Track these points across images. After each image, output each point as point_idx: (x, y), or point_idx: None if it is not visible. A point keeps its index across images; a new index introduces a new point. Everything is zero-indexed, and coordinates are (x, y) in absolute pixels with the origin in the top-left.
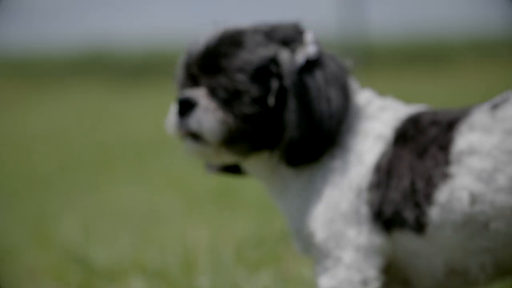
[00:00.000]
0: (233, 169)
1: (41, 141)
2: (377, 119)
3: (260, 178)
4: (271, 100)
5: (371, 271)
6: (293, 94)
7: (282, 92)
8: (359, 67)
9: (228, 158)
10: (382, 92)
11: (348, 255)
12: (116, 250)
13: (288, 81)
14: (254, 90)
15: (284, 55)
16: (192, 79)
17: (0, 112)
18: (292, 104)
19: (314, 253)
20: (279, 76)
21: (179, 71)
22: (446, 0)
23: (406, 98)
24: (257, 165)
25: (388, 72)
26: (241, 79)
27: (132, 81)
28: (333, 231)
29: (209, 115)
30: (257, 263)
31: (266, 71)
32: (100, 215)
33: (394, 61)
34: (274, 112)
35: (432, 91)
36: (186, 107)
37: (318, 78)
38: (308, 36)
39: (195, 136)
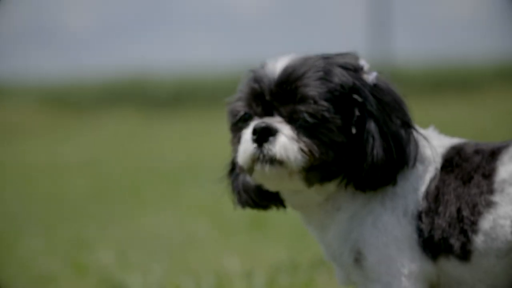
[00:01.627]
0: (265, 203)
1: (76, 169)
2: (426, 146)
3: (305, 208)
4: (353, 129)
5: None
6: (372, 116)
7: (360, 120)
8: None
9: (296, 185)
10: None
11: (398, 281)
12: (150, 277)
13: (370, 106)
14: (338, 119)
15: (365, 81)
16: (264, 107)
17: (37, 140)
18: (374, 128)
19: (358, 277)
20: (358, 104)
21: (243, 95)
22: (469, 29)
23: (437, 124)
24: (311, 193)
25: (415, 100)
26: (327, 107)
27: (166, 110)
28: (386, 255)
29: (293, 143)
30: None
31: (348, 99)
32: (134, 242)
33: (421, 89)
34: (355, 140)
35: (459, 118)
36: (265, 134)
37: (389, 101)
38: (365, 64)
39: (272, 162)
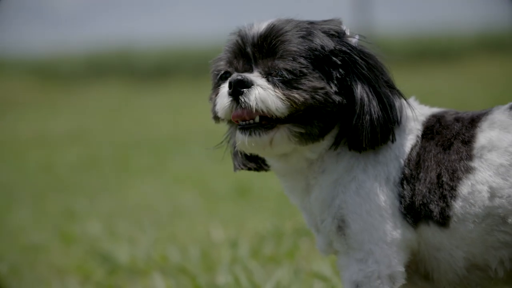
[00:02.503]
0: (252, 164)
1: (65, 140)
2: (408, 114)
3: (290, 174)
4: (333, 87)
5: (400, 267)
6: (363, 77)
7: (343, 82)
8: None
9: (287, 145)
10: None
11: (380, 249)
12: (137, 247)
13: (360, 68)
14: (316, 74)
15: (353, 45)
16: (244, 60)
17: (26, 113)
18: (367, 88)
19: (340, 245)
20: (339, 66)
21: (226, 52)
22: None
23: (417, 94)
24: (301, 155)
25: (397, 70)
26: (305, 64)
27: (152, 82)
28: (369, 223)
29: (269, 92)
30: (273, 259)
31: (328, 60)
32: (122, 213)
33: (402, 59)
34: (337, 98)
35: (439, 87)
36: (241, 87)
37: (373, 64)
38: (348, 30)
39: (251, 133)
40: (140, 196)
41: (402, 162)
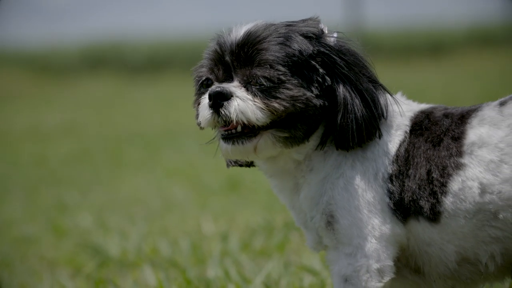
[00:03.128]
0: (248, 162)
1: (57, 133)
2: (395, 110)
3: (279, 174)
4: (314, 90)
5: (389, 261)
6: (344, 77)
7: (324, 84)
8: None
9: (273, 150)
10: (384, 82)
11: (369, 244)
12: (128, 240)
13: (340, 68)
14: (295, 81)
15: (331, 45)
16: (224, 68)
17: (18, 105)
18: (348, 87)
19: (329, 240)
20: (319, 69)
21: (206, 60)
22: None
23: (408, 89)
24: (288, 157)
25: (387, 65)
26: (283, 72)
27: (143, 75)
28: (358, 218)
29: (247, 103)
30: (264, 252)
31: (307, 65)
32: (113, 206)
33: (392, 54)
34: (318, 102)
35: (429, 82)
36: (220, 99)
37: (353, 61)
38: (325, 28)
39: (234, 142)
40: (132, 190)
41: (391, 158)
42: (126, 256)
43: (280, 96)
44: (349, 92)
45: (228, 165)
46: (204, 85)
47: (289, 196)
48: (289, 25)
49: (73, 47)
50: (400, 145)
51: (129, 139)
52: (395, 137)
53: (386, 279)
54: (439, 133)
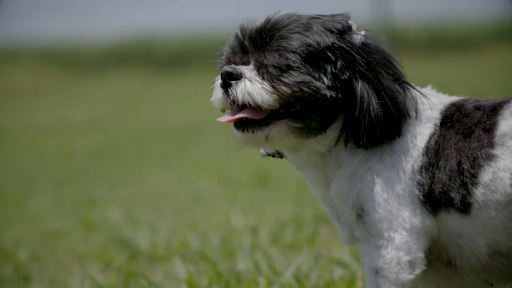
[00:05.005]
0: (279, 153)
1: (85, 128)
2: (425, 103)
3: (307, 167)
4: (326, 81)
5: (419, 253)
6: (363, 75)
7: (339, 77)
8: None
9: (287, 140)
10: (411, 76)
11: (399, 236)
12: (158, 234)
13: (358, 65)
14: (304, 69)
15: (353, 41)
16: (242, 52)
17: (46, 100)
18: (366, 85)
19: (360, 233)
20: (334, 61)
21: (228, 44)
22: None
23: (436, 83)
24: (308, 151)
25: (415, 59)
26: (293, 59)
27: (171, 71)
28: (388, 211)
29: (255, 84)
30: (293, 245)
31: (323, 55)
32: (141, 200)
33: (420, 49)
34: (329, 92)
35: (457, 76)
36: (230, 79)
37: (379, 58)
38: (354, 25)
39: (244, 129)
40: (159, 184)
41: (420, 150)
42: (156, 249)
43: (286, 81)
44: (367, 91)
45: (262, 155)
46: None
47: (320, 189)
48: (314, 17)
49: (100, 43)
50: (430, 138)
51: (156, 133)
52: (424, 129)
53: (417, 271)
54: (470, 125)
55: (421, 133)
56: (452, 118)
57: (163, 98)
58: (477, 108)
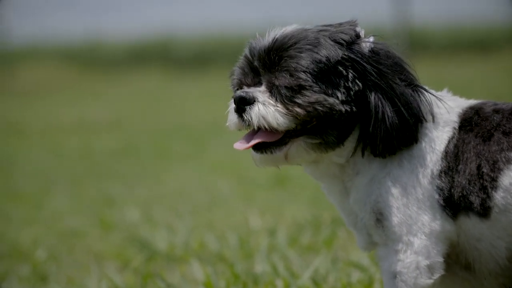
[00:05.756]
0: None
1: (103, 127)
2: (441, 107)
3: (325, 178)
4: (340, 96)
5: (439, 258)
6: (375, 84)
7: (352, 90)
8: (405, 54)
9: (307, 156)
10: (430, 77)
11: (419, 240)
12: (176, 234)
13: (369, 75)
14: (317, 87)
15: (362, 51)
16: (252, 73)
17: (65, 99)
18: (379, 95)
19: (379, 237)
20: (347, 75)
21: (238, 65)
22: None
23: (454, 85)
24: (329, 161)
25: (433, 61)
26: (305, 78)
27: (190, 70)
28: (407, 215)
29: (269, 108)
30: (311, 248)
31: (334, 70)
32: (159, 200)
33: (439, 50)
34: (344, 107)
35: (475, 79)
36: (243, 104)
37: (390, 64)
38: (362, 31)
39: (261, 150)
40: (178, 184)
41: (439, 154)
42: (174, 250)
43: (299, 102)
44: (380, 100)
45: None
46: (236, 89)
47: (338, 199)
48: (321, 30)
49: (119, 41)
50: (449, 142)
51: (175, 133)
52: (443, 133)
53: (436, 275)
54: (489, 128)
55: (439, 137)
56: (471, 122)
57: (183, 97)
58: (496, 111)
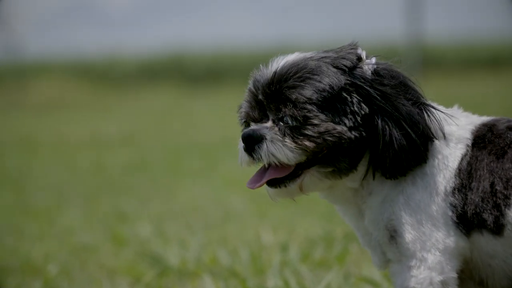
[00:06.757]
0: None
1: (116, 143)
2: (452, 124)
3: (340, 201)
4: (348, 123)
5: (452, 273)
6: (380, 108)
7: (358, 114)
8: (418, 72)
9: (321, 185)
10: (443, 94)
11: (432, 256)
12: (188, 250)
13: (374, 99)
14: (323, 116)
15: (364, 75)
16: (258, 107)
17: (78, 114)
18: (385, 118)
19: (392, 254)
20: (352, 101)
21: (245, 98)
22: (500, 7)
23: (467, 101)
24: (343, 186)
25: (446, 78)
26: (308, 109)
27: (203, 86)
28: (421, 232)
29: (277, 145)
30: (323, 263)
31: (338, 97)
32: (172, 215)
33: (452, 67)
34: (352, 134)
35: (488, 95)
36: (252, 142)
37: (394, 85)
38: (363, 53)
39: (273, 185)
40: (190, 199)
41: (453, 172)
42: (186, 265)
43: (308, 134)
44: (387, 123)
45: None
46: (244, 125)
47: (353, 221)
48: (322, 57)
49: (132, 57)
50: (462, 159)
51: (188, 149)
52: (455, 150)
53: None
54: (503, 146)
55: (452, 154)
56: (484, 139)
57: (195, 112)
58: (510, 128)
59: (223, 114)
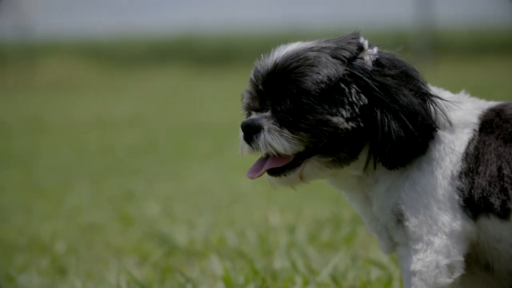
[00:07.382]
0: None
1: (125, 124)
2: (457, 109)
3: (346, 187)
4: (345, 114)
5: (459, 257)
6: (379, 99)
7: (357, 105)
8: (428, 57)
9: (322, 173)
10: (452, 80)
11: (439, 240)
12: (195, 230)
13: (373, 91)
14: (319, 108)
15: (364, 66)
16: (259, 97)
17: (87, 95)
18: (383, 109)
19: (399, 237)
20: (350, 92)
21: (247, 88)
22: None
23: (476, 86)
24: (347, 173)
25: (457, 63)
26: (306, 102)
27: (212, 68)
28: (428, 216)
29: (274, 135)
30: (331, 245)
31: (337, 88)
32: (180, 196)
33: (462, 53)
34: (349, 125)
35: (498, 80)
36: (250, 132)
37: (395, 75)
38: (366, 43)
39: (273, 174)
40: (198, 181)
41: (460, 156)
42: (193, 245)
43: (303, 125)
44: (386, 115)
45: None
46: (246, 114)
47: (360, 206)
48: (322, 47)
49: (142, 39)
50: (469, 143)
51: (196, 130)
52: (462, 135)
53: (456, 275)
54: (511, 130)
55: (459, 138)
56: (492, 124)
57: (204, 94)
58: None
59: (232, 96)
